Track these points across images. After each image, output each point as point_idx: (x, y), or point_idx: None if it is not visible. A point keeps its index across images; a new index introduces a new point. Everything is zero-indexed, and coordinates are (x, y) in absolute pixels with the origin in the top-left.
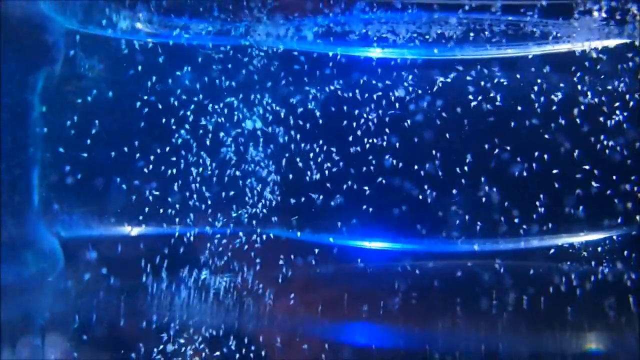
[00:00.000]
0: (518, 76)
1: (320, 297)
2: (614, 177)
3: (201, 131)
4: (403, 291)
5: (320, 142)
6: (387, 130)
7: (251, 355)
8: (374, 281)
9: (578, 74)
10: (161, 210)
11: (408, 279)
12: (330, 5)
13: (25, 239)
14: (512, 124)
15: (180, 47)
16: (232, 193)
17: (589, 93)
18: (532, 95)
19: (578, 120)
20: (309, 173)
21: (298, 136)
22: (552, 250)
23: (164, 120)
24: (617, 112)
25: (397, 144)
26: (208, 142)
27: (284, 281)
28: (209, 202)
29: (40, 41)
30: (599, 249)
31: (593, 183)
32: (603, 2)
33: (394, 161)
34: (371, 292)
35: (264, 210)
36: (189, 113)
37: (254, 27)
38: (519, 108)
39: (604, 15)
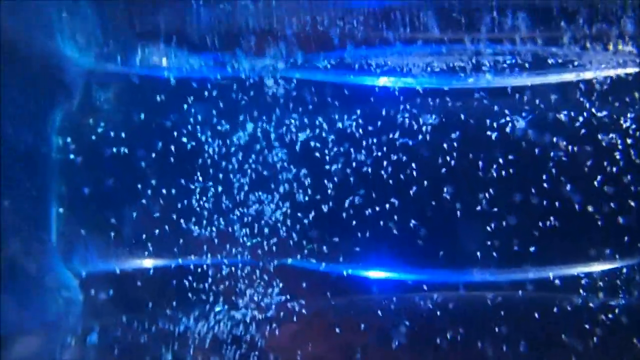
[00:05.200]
0: (534, 103)
1: (334, 327)
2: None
3: (217, 164)
4: (419, 321)
5: (333, 172)
6: (399, 159)
7: None
8: (387, 311)
9: (593, 101)
10: (176, 243)
11: (422, 310)
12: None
13: (46, 282)
14: (526, 153)
15: (197, 81)
16: (247, 224)
17: (606, 119)
18: (546, 123)
19: (591, 147)
20: (323, 204)
21: (310, 168)
22: (569, 280)
23: (180, 153)
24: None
25: (411, 174)
26: (223, 174)
27: (299, 311)
28: (224, 234)
29: (58, 80)
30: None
31: (610, 211)
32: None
33: (408, 190)
34: (385, 323)
35: (279, 242)
36: (205, 146)
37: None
38: (533, 137)
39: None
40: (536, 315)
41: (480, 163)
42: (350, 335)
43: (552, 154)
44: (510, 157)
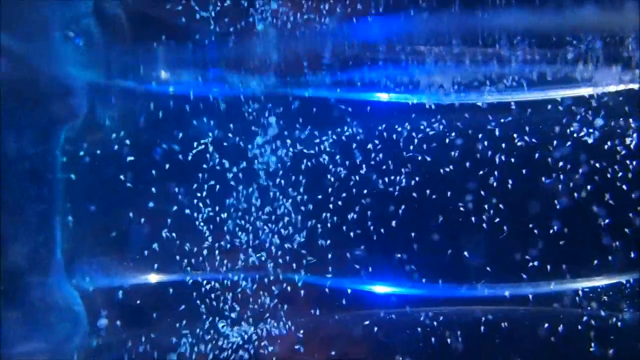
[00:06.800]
0: (536, 119)
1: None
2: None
3: (221, 179)
4: (425, 339)
5: (336, 188)
6: (402, 173)
7: None
8: (395, 328)
9: (593, 117)
10: (181, 258)
11: (428, 326)
12: None
13: (51, 300)
14: (529, 166)
15: (204, 98)
16: (252, 239)
17: (608, 135)
18: (549, 139)
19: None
20: (326, 220)
21: (313, 183)
22: (572, 295)
23: (184, 169)
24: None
25: (414, 188)
26: (228, 190)
27: (303, 328)
28: (230, 248)
29: (64, 101)
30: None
31: (610, 225)
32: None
33: (411, 205)
34: (392, 340)
35: (284, 257)
36: (210, 162)
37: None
38: (535, 152)
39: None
40: (540, 330)
41: (484, 177)
42: (351, 350)
43: (557, 166)
44: (514, 172)
